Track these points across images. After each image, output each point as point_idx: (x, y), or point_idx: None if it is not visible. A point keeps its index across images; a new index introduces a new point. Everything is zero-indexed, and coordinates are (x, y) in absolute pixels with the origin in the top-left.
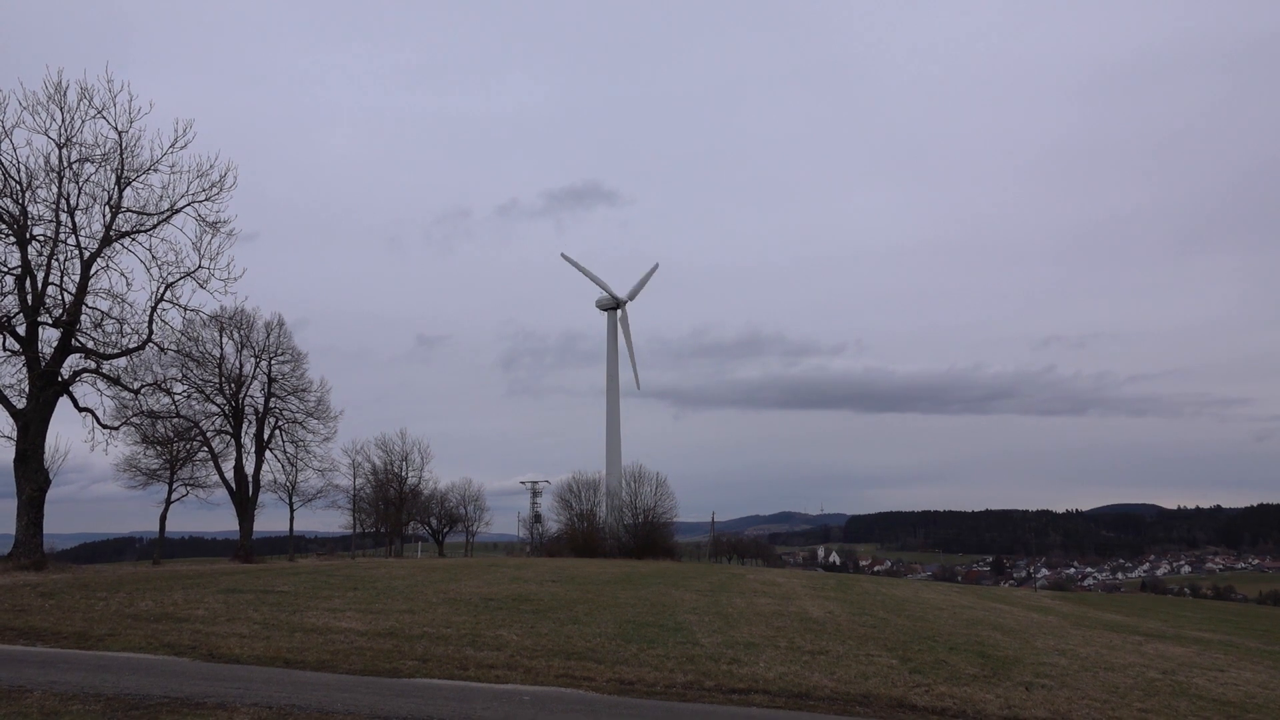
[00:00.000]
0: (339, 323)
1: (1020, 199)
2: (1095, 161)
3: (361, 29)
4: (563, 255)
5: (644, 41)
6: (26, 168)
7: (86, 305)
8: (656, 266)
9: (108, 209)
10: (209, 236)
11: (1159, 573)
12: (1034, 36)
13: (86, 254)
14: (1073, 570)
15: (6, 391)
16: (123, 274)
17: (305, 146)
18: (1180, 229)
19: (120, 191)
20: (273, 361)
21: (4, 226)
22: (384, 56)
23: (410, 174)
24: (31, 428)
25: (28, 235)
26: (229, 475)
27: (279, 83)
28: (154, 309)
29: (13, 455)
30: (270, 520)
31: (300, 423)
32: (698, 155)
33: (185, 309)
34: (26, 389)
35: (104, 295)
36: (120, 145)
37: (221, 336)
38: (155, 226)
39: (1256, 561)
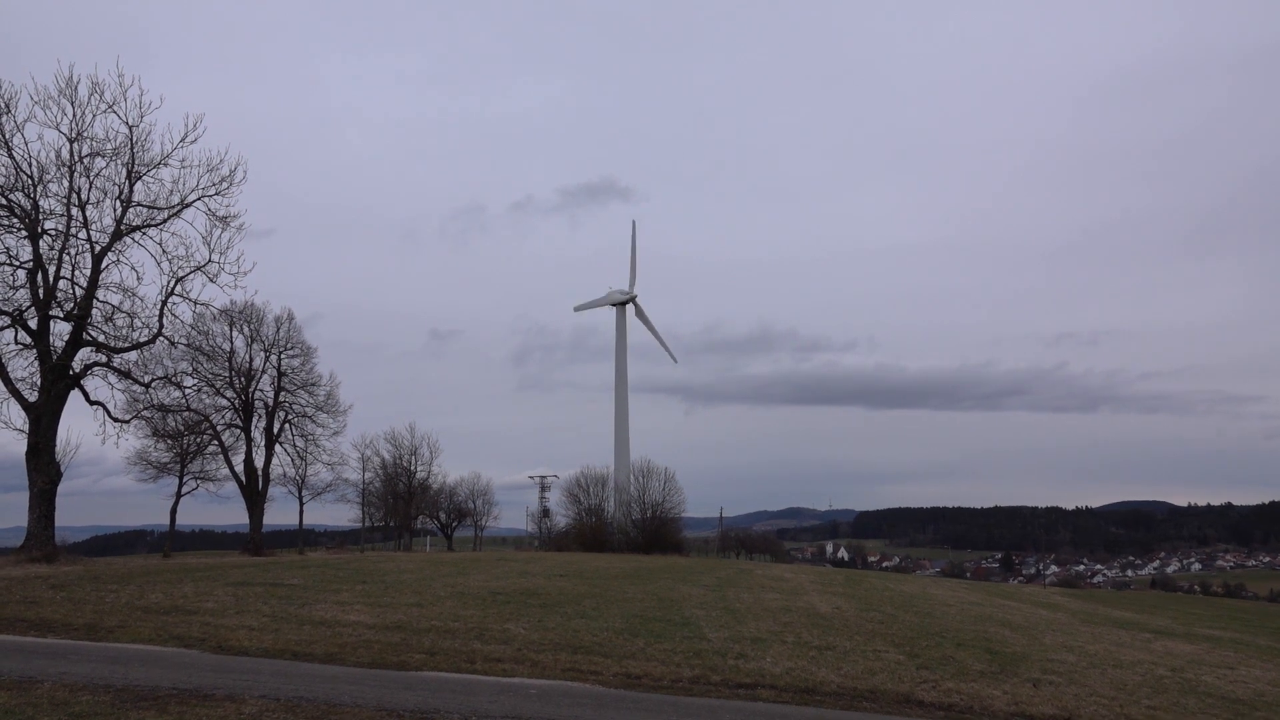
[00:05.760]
0: (352, 317)
1: (1032, 197)
2: (1107, 161)
3: (379, 32)
4: (575, 308)
5: (658, 41)
6: (38, 162)
7: (97, 299)
8: (634, 224)
9: (118, 203)
10: (219, 231)
11: (1169, 570)
12: (1046, 40)
13: (97, 248)
14: (1082, 567)
15: (18, 385)
16: (133, 268)
17: (322, 146)
18: (1193, 227)
19: (131, 186)
20: (282, 355)
21: (16, 220)
22: (401, 58)
23: (426, 172)
24: (43, 421)
25: (39, 229)
26: (239, 469)
27: (297, 85)
28: (164, 303)
29: (25, 448)
30: (280, 514)
31: (310, 416)
32: (711, 152)
33: (195, 303)
34: (38, 382)
35: (115, 289)
36: (131, 140)
37: (231, 330)
38: (165, 221)
39: (1267, 559)
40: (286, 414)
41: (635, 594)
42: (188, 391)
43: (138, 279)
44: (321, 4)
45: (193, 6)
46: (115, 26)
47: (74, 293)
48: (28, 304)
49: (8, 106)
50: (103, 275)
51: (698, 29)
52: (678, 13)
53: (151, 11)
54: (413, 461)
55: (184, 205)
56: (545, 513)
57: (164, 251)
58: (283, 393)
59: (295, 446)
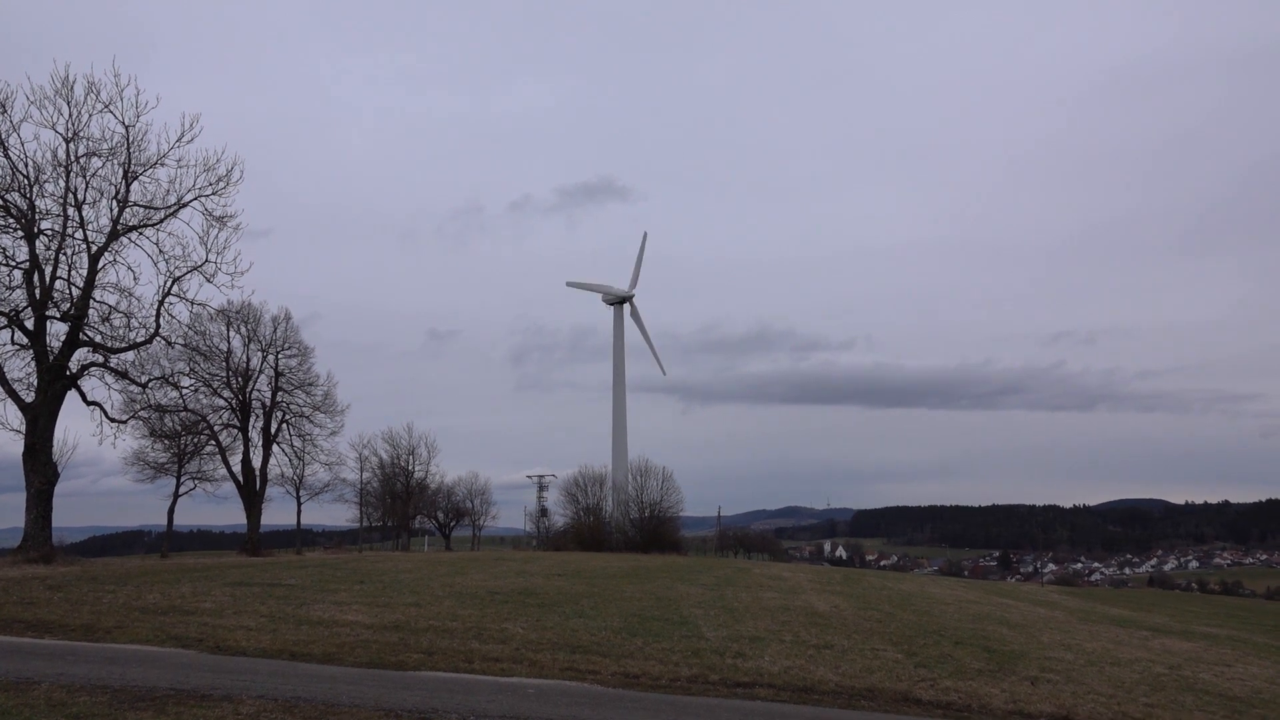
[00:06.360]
0: (351, 317)
1: (1030, 197)
2: (1105, 160)
3: (377, 31)
4: (568, 283)
5: (657, 41)
6: (34, 162)
7: (94, 299)
8: (645, 235)
9: (115, 203)
10: (216, 230)
11: (1166, 568)
12: (1042, 39)
13: (94, 248)
14: (1080, 565)
15: (15, 385)
16: (130, 268)
17: (321, 146)
18: (1191, 226)
19: (127, 186)
20: (280, 355)
21: (12, 221)
22: (399, 58)
23: (424, 171)
24: (40, 421)
25: (36, 230)
26: (236, 469)
27: (294, 84)
28: (161, 303)
29: (22, 449)
30: (277, 514)
31: (307, 416)
32: (709, 152)
33: (192, 303)
34: (35, 383)
35: (111, 289)
36: (127, 139)
37: (229, 330)
38: (162, 220)
39: (1264, 557)
40: (284, 414)
41: (633, 593)
42: (185, 392)
43: (134, 279)
44: (319, 3)
45: (190, 6)
46: (113, 26)
47: (70, 293)
48: (24, 304)
49: (3, 107)
50: (99, 275)
51: (697, 29)
52: (677, 13)
53: (150, 11)
54: (410, 461)
55: (181, 205)
56: (543, 512)
57: (161, 251)
58: (280, 393)
59: (293, 446)
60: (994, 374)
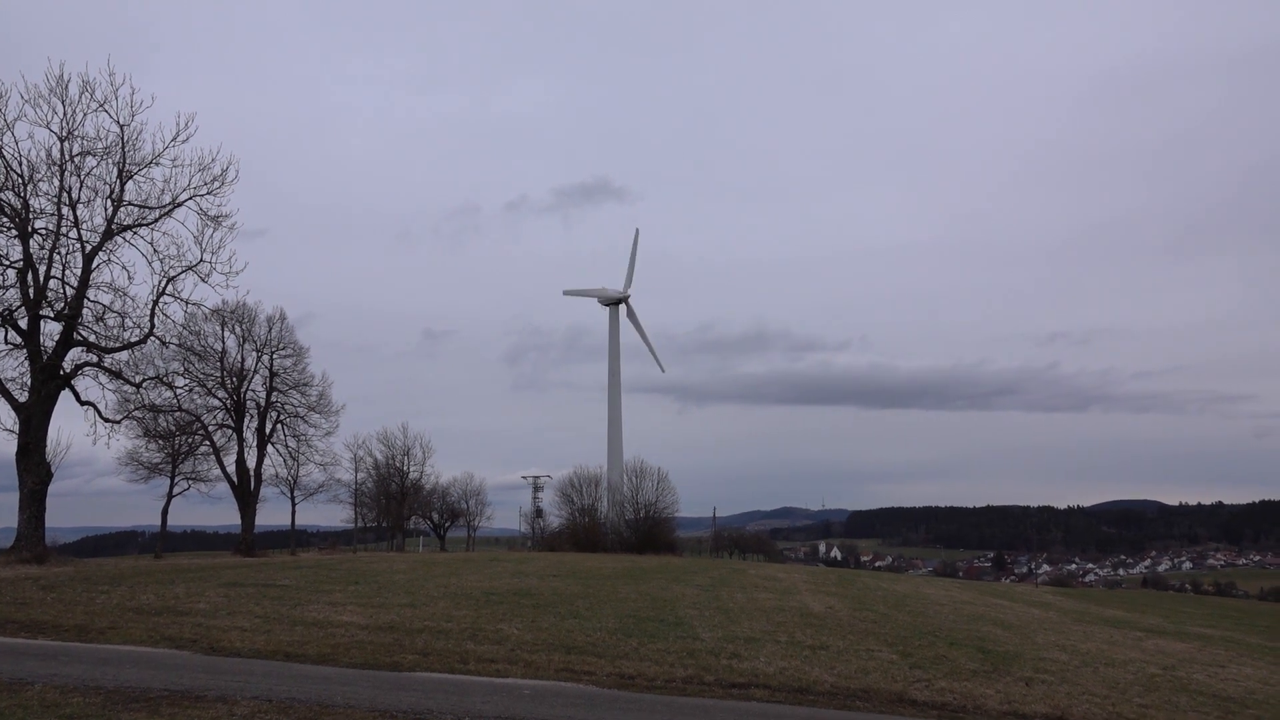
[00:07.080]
0: (346, 318)
1: (1025, 197)
2: (1100, 161)
3: (373, 32)
4: (565, 292)
5: (653, 41)
6: (28, 161)
7: (88, 299)
8: (637, 232)
9: (109, 202)
10: (210, 230)
11: (1160, 569)
12: (1037, 40)
13: (88, 247)
14: (1074, 566)
15: (8, 385)
16: (124, 267)
17: (316, 145)
18: (1186, 227)
19: (122, 185)
20: (274, 355)
21: (6, 220)
22: (396, 58)
23: (421, 172)
24: (33, 421)
25: (30, 229)
26: (230, 469)
27: (290, 84)
28: (155, 303)
29: (15, 449)
30: (272, 514)
31: (302, 417)
32: (706, 152)
33: (187, 303)
34: (28, 382)
35: (106, 289)
36: (122, 139)
37: (223, 330)
38: (157, 220)
39: (1258, 558)
40: (279, 414)
41: (629, 594)
42: (179, 392)
43: (129, 279)
44: (317, 3)
45: (188, 6)
46: (110, 26)
47: (64, 292)
48: (18, 304)
49: None
50: (93, 275)
51: (693, 29)
52: (673, 13)
53: (147, 10)
54: (405, 462)
55: (175, 204)
56: (538, 513)
57: (155, 251)
58: (275, 393)
59: (287, 447)
60: (989, 375)
